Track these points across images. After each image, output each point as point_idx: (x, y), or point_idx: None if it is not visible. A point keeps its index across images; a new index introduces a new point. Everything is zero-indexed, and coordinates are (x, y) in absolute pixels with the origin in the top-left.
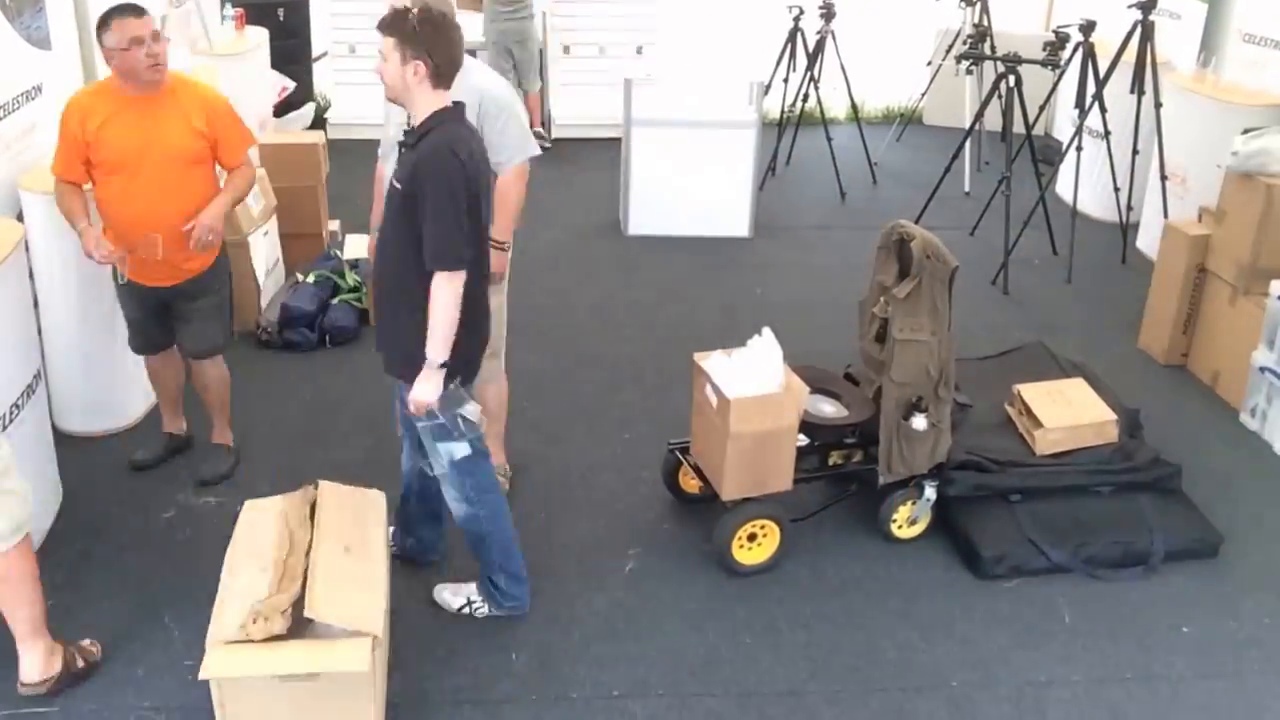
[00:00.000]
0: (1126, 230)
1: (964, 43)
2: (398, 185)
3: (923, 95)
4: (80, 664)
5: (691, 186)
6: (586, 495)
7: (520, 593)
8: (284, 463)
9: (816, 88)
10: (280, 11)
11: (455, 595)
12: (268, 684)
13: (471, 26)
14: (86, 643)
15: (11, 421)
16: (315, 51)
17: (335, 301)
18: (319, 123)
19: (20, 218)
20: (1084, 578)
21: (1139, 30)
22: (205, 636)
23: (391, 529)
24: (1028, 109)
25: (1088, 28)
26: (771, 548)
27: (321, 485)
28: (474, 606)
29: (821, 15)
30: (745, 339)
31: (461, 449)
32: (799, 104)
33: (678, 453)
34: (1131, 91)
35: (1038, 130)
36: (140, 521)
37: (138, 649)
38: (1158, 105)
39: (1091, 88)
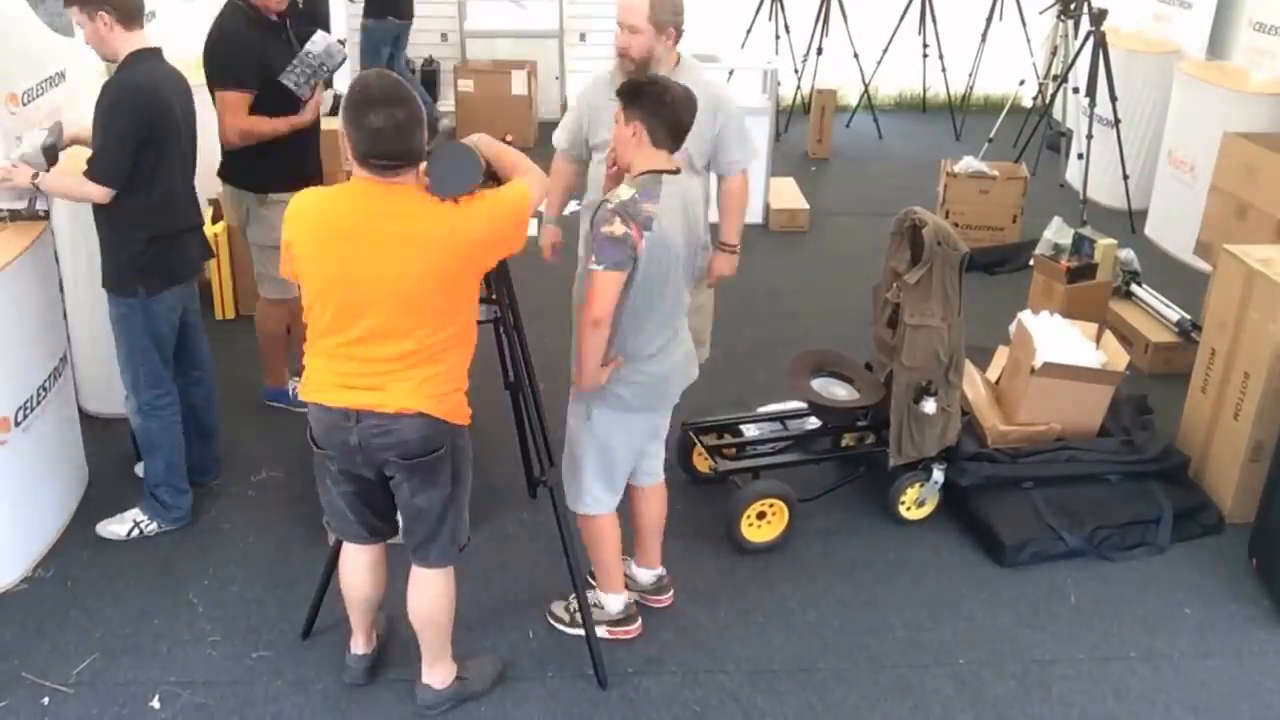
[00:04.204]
0: (1133, 218)
1: None
2: None
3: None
4: None
5: None
6: None
7: (183, 504)
8: (294, 448)
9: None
10: None
11: (120, 523)
12: None
13: None
14: None
15: (39, 404)
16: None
17: None
18: (336, 110)
19: None
20: (1089, 559)
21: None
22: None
23: None
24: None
25: (1099, 16)
26: (780, 526)
27: None
28: (144, 526)
29: None
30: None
31: None
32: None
33: (691, 433)
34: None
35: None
36: None
37: (162, 624)
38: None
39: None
